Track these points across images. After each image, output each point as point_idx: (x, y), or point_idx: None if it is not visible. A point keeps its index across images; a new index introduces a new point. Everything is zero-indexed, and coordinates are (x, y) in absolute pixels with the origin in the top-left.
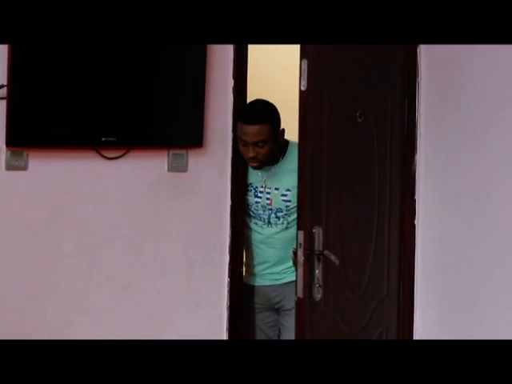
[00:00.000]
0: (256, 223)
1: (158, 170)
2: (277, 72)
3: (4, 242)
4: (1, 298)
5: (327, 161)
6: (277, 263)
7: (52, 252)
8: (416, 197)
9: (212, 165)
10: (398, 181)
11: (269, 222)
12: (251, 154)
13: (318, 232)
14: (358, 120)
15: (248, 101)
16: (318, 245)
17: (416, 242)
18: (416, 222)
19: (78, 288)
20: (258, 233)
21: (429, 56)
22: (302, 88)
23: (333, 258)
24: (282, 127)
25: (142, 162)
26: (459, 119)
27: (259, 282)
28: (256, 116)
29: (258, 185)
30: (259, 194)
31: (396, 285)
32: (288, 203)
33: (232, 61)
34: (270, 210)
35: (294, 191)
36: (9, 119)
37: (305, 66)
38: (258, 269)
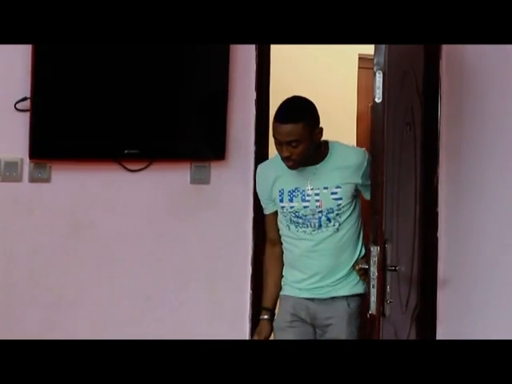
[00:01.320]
0: (304, 231)
1: (181, 183)
2: (299, 84)
3: (27, 254)
4: (24, 310)
5: (392, 174)
6: (330, 273)
7: (74, 264)
8: (438, 209)
9: (234, 177)
10: (420, 193)
11: (319, 226)
12: (285, 154)
13: (389, 247)
14: (408, 132)
15: (270, 113)
16: (390, 260)
17: (439, 255)
18: (438, 234)
19: (101, 300)
20: (308, 240)
21: (451, 65)
22: (377, 100)
23: (403, 269)
24: (320, 126)
25: (164, 174)
26: (482, 130)
27: (305, 294)
28: (290, 115)
29: (304, 188)
30: (307, 198)
31: (420, 298)
32: (339, 201)
33: (254, 73)
34: (321, 212)
35: (345, 188)
36: (32, 132)
37: (379, 78)
38: (307, 283)
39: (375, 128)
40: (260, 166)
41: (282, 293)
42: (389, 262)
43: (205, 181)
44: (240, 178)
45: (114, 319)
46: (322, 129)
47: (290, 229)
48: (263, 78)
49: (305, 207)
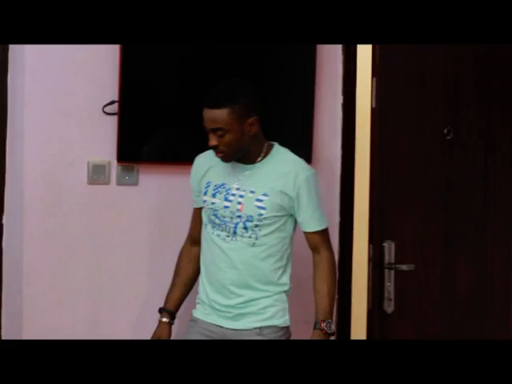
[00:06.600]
0: (219, 235)
1: None
2: None
3: (116, 257)
4: (113, 312)
5: (402, 175)
6: (237, 290)
7: (162, 266)
8: None
9: (321, 181)
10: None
11: (234, 233)
12: (211, 143)
13: (388, 246)
14: (447, 137)
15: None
16: (390, 258)
17: None
18: None
19: (186, 301)
20: (219, 247)
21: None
22: (373, 106)
23: (405, 268)
24: (255, 117)
25: None
26: None
27: (213, 319)
28: (215, 99)
29: (230, 186)
30: (230, 198)
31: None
32: (262, 211)
33: (341, 76)
34: (239, 217)
35: (272, 197)
36: (119, 135)
37: (375, 84)
38: (212, 298)
39: (372, 133)
40: (197, 157)
41: (193, 313)
42: (388, 260)
43: None
44: (326, 182)
45: None
46: (256, 120)
47: (206, 228)
48: (350, 79)
49: (225, 207)
